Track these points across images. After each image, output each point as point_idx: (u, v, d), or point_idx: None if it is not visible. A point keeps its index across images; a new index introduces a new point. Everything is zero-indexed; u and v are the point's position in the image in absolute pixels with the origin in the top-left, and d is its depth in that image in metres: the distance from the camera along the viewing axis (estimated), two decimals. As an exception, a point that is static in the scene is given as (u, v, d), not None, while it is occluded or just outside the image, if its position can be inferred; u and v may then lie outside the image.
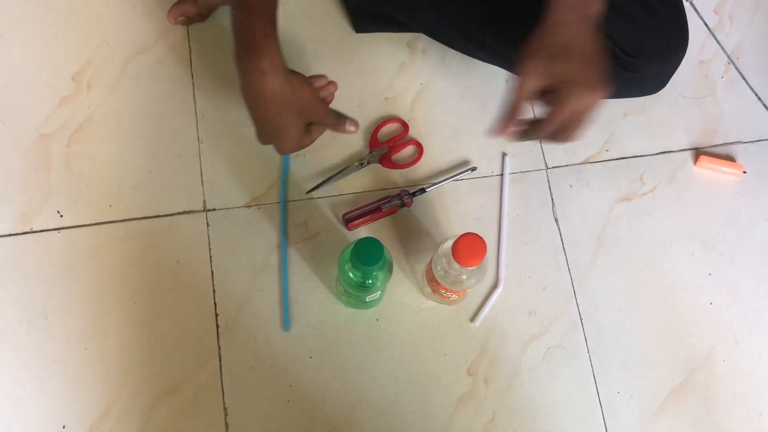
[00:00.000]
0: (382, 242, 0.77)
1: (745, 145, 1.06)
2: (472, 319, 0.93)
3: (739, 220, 1.02)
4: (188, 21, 1.03)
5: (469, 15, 0.95)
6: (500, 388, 0.91)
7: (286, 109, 0.80)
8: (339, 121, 0.89)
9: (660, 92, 1.00)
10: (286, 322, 0.91)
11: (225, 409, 0.88)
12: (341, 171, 0.98)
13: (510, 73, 1.04)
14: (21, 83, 0.97)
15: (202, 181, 0.96)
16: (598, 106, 0.74)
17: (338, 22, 1.06)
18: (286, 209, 0.96)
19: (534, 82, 0.74)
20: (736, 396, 0.94)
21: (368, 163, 0.98)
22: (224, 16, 1.04)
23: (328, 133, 1.00)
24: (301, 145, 0.85)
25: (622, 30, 0.89)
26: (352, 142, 1.00)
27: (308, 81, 0.85)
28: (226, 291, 0.92)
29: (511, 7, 0.91)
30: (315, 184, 0.97)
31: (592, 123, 0.76)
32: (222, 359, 0.89)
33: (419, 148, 1.00)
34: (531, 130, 0.77)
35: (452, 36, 1.01)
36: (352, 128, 0.89)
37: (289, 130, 0.82)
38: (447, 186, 0.99)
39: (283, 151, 0.85)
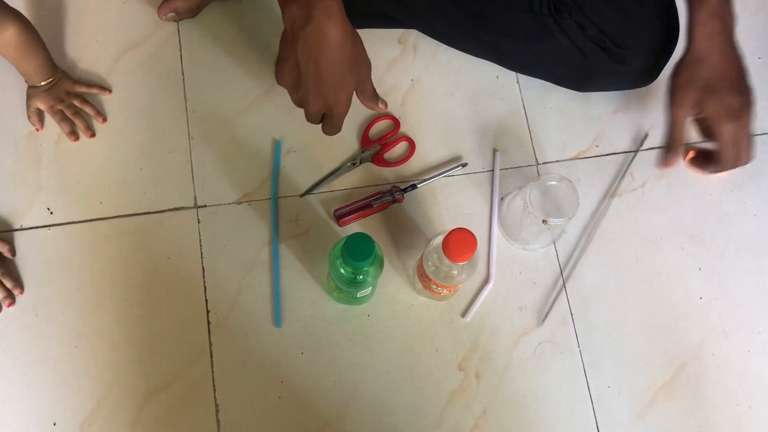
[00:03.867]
0: (373, 238, 0.77)
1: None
2: (464, 314, 0.94)
3: (729, 214, 1.02)
4: (178, 17, 1.02)
5: (462, 8, 0.96)
6: (491, 383, 0.91)
7: (350, 61, 0.75)
8: (375, 94, 0.84)
9: (649, 87, 1.01)
10: (277, 318, 0.91)
11: (216, 405, 0.88)
12: (333, 172, 0.98)
13: (503, 69, 1.04)
14: (10, 80, 0.97)
15: (192, 177, 0.96)
16: (751, 122, 0.87)
17: (329, 18, 1.06)
18: (278, 205, 0.96)
19: (685, 116, 0.87)
20: (725, 390, 0.94)
21: (360, 162, 0.98)
22: (214, 12, 1.04)
23: (318, 131, 1.00)
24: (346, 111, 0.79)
25: (613, 21, 0.89)
26: (344, 139, 1.00)
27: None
28: (218, 288, 0.92)
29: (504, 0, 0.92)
30: (307, 182, 0.97)
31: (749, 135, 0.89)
32: (213, 356, 0.89)
33: (411, 145, 1.00)
34: (709, 165, 0.93)
35: (444, 30, 1.01)
36: (383, 106, 0.87)
37: (347, 87, 0.76)
38: (438, 182, 0.99)
39: (339, 114, 0.78)
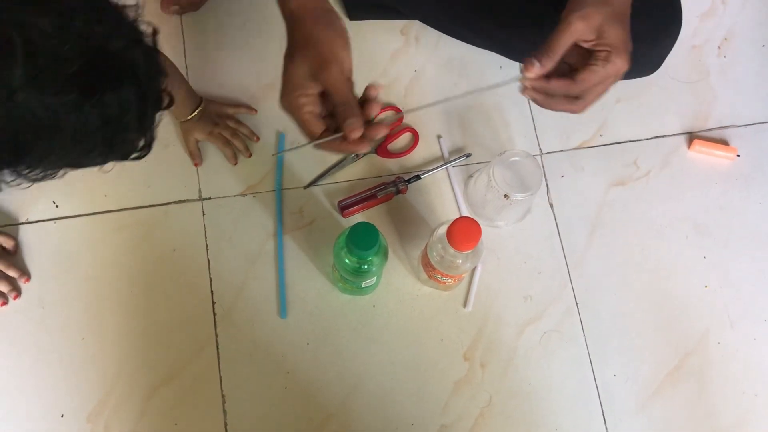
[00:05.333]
0: (378, 229, 0.78)
1: (738, 128, 1.06)
2: (464, 303, 0.94)
3: (733, 203, 1.02)
4: (182, 10, 1.02)
5: (469, 3, 0.95)
6: (496, 372, 0.92)
7: (307, 62, 0.71)
8: (351, 110, 0.71)
9: (653, 77, 1.00)
10: (282, 309, 0.91)
11: (223, 396, 0.88)
12: (337, 164, 0.98)
13: (505, 59, 1.04)
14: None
15: (197, 169, 0.96)
16: (620, 77, 0.73)
17: (331, 10, 1.06)
18: (282, 197, 0.96)
19: (580, 34, 0.70)
20: (730, 378, 0.94)
21: (364, 153, 0.98)
22: (217, 4, 1.04)
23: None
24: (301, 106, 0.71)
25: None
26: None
27: None
28: (223, 279, 0.92)
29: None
30: (311, 174, 0.97)
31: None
32: (219, 347, 0.90)
33: (414, 136, 1.00)
34: (550, 86, 0.72)
35: (447, 21, 1.01)
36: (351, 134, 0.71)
37: (297, 89, 0.72)
38: (442, 172, 0.99)
39: (300, 122, 0.71)
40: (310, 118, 0.70)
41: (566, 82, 0.71)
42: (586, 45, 0.71)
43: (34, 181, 0.57)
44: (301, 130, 0.72)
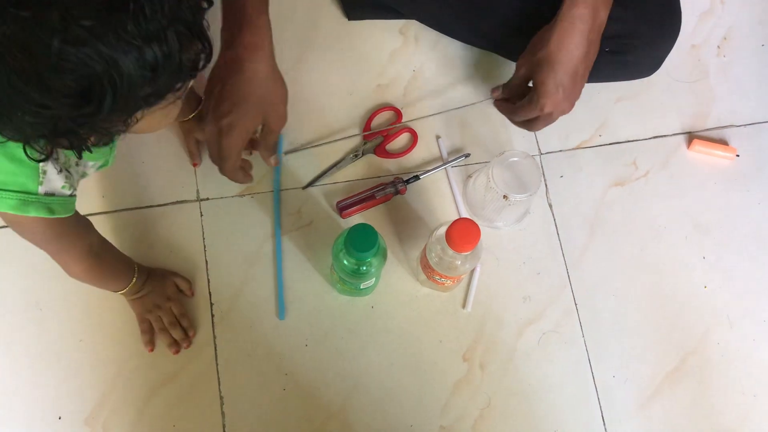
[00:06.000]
0: (377, 230, 0.77)
1: (738, 128, 1.06)
2: (464, 304, 0.93)
3: (733, 203, 1.02)
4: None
5: (465, 0, 0.95)
6: (496, 373, 0.91)
7: (262, 98, 0.78)
8: (274, 149, 0.88)
9: (652, 77, 1.00)
10: (281, 310, 0.91)
11: (221, 397, 0.88)
12: (336, 164, 0.97)
13: (505, 59, 1.04)
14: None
15: (195, 170, 0.96)
16: (561, 114, 0.86)
17: (330, 9, 1.05)
18: (280, 198, 0.95)
19: (518, 78, 0.87)
20: (730, 378, 0.94)
21: (363, 154, 0.98)
22: (214, 6, 1.03)
23: (323, 122, 1.00)
24: (237, 151, 0.82)
25: (615, 13, 0.89)
26: (346, 130, 0.99)
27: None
28: (221, 280, 0.92)
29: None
30: (309, 175, 0.97)
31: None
32: (217, 348, 0.89)
33: (413, 136, 1.00)
34: (506, 108, 0.91)
35: (446, 21, 1.01)
36: (274, 162, 0.89)
37: (248, 123, 0.80)
38: (441, 173, 0.99)
39: (227, 146, 0.80)
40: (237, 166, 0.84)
41: (511, 107, 0.90)
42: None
43: (122, 131, 0.58)
44: (221, 161, 0.83)
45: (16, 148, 0.59)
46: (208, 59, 0.58)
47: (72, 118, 0.53)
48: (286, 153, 0.98)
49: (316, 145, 0.98)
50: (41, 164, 0.62)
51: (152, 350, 0.88)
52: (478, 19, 0.96)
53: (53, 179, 0.65)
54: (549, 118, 0.87)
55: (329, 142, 0.98)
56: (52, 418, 0.85)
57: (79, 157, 0.59)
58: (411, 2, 1.00)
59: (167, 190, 0.95)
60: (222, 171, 0.85)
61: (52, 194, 0.66)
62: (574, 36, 0.81)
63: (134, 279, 0.84)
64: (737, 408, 0.93)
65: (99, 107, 0.52)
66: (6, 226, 0.90)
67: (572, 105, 0.86)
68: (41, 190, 0.64)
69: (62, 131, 0.55)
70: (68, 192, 0.67)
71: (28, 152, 0.58)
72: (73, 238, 0.74)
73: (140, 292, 0.86)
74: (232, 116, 0.79)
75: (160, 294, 0.88)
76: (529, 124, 0.89)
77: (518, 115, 0.89)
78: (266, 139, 0.86)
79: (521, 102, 0.87)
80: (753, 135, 1.05)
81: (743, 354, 0.95)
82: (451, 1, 0.96)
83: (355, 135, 0.99)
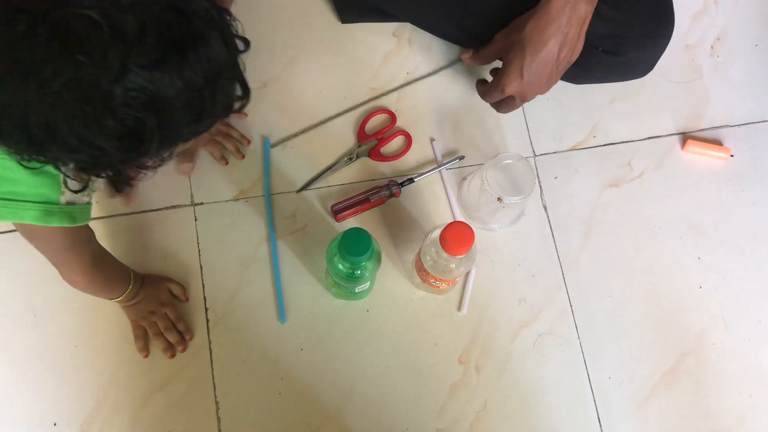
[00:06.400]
0: (371, 233, 0.77)
1: (732, 128, 1.06)
2: (459, 307, 0.93)
3: (727, 203, 1.02)
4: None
5: (456, 1, 0.95)
6: (492, 375, 0.91)
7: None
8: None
9: (646, 77, 1.00)
10: (281, 314, 0.91)
11: (216, 402, 0.88)
12: (330, 168, 0.97)
13: (497, 62, 1.04)
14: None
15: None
16: (525, 101, 0.88)
17: (323, 12, 1.05)
18: (272, 202, 0.95)
19: (491, 51, 0.90)
20: (726, 379, 0.94)
21: (357, 157, 0.98)
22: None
23: (317, 127, 1.00)
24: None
25: (608, 14, 0.89)
26: (341, 134, 0.99)
27: None
28: (216, 285, 0.92)
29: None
30: (304, 178, 0.97)
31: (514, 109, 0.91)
32: (213, 353, 0.89)
33: (408, 139, 1.00)
34: (480, 89, 0.93)
35: (439, 23, 1.01)
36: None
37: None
38: (435, 175, 0.98)
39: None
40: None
41: (482, 87, 0.93)
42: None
43: (157, 167, 0.60)
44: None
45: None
46: (245, 103, 0.61)
47: (119, 157, 0.55)
48: (274, 146, 0.98)
49: (303, 131, 0.98)
50: (62, 174, 0.63)
51: (146, 356, 0.88)
52: (469, 20, 0.96)
53: (73, 188, 0.65)
54: (511, 103, 0.89)
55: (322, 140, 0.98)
56: (48, 425, 0.85)
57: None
58: (403, 5, 1.00)
59: (161, 194, 0.95)
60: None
61: (73, 203, 0.66)
62: (550, 26, 0.82)
63: (130, 286, 0.84)
64: (733, 408, 0.93)
65: (146, 148, 0.54)
66: (3, 232, 0.90)
67: (536, 93, 0.87)
68: (63, 199, 0.65)
69: (104, 166, 0.57)
70: (87, 199, 0.68)
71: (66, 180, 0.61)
72: (83, 246, 0.75)
73: (135, 299, 0.86)
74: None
75: (154, 299, 0.88)
76: (496, 106, 0.92)
77: (486, 95, 0.92)
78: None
79: (490, 81, 0.90)
80: (747, 135, 1.06)
81: (739, 354, 0.95)
82: (441, 2, 0.95)
83: (350, 139, 0.99)
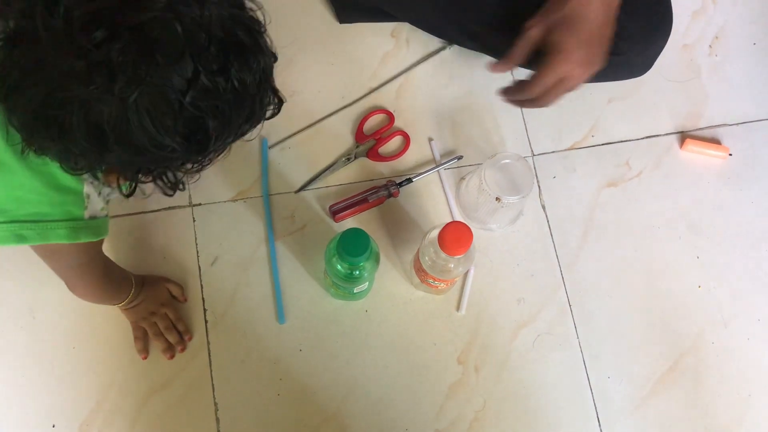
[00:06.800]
0: (370, 233, 0.77)
1: (730, 127, 1.06)
2: (458, 307, 0.93)
3: (726, 202, 1.02)
4: None
5: (454, 1, 0.95)
6: (491, 375, 0.91)
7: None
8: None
9: (645, 77, 1.00)
10: (280, 314, 0.91)
11: (215, 403, 0.87)
12: (328, 168, 0.97)
13: (497, 61, 1.03)
14: None
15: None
16: (580, 81, 0.80)
17: (322, 12, 1.05)
18: (271, 203, 0.95)
19: (528, 40, 0.81)
20: (725, 378, 0.94)
21: (355, 157, 0.98)
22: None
23: (315, 126, 1.00)
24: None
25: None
26: (338, 134, 0.99)
27: None
28: (214, 286, 0.92)
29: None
30: (302, 179, 0.97)
31: (570, 93, 0.82)
32: (211, 354, 0.89)
33: (406, 139, 1.00)
34: (515, 89, 0.84)
35: (437, 23, 1.01)
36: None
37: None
38: (434, 175, 0.98)
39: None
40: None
41: (518, 86, 0.83)
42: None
43: (206, 167, 0.63)
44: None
45: (61, 176, 0.61)
46: (277, 111, 0.65)
47: (182, 157, 0.58)
48: (272, 146, 0.97)
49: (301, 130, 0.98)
50: (85, 189, 0.64)
51: (146, 357, 0.88)
52: (467, 20, 0.96)
53: (95, 202, 0.67)
54: (561, 86, 0.81)
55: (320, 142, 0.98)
56: (46, 426, 0.85)
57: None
58: (401, 4, 1.00)
59: (159, 196, 0.93)
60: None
61: (95, 217, 0.67)
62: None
63: (132, 291, 0.84)
64: (732, 408, 0.93)
65: (207, 147, 0.57)
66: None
67: (587, 73, 0.80)
68: (86, 214, 0.66)
69: (164, 167, 0.60)
70: (105, 213, 0.69)
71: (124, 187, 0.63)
72: (98, 259, 0.76)
73: (135, 301, 0.86)
74: None
75: (154, 301, 0.88)
76: (540, 99, 0.82)
77: (527, 89, 0.82)
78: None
79: (531, 76, 0.81)
80: (745, 134, 1.05)
81: (738, 353, 0.95)
82: (440, 2, 0.95)
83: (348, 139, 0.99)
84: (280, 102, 0.65)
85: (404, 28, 1.05)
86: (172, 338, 0.88)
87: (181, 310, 0.90)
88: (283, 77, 0.99)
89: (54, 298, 0.89)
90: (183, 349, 0.88)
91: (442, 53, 1.04)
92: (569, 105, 1.04)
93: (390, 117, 1.01)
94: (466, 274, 0.95)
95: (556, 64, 0.79)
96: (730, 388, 0.94)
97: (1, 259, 0.90)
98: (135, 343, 0.88)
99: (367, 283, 0.85)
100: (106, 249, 0.91)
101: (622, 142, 1.03)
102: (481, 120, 1.02)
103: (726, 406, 0.93)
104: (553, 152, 1.02)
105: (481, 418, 0.90)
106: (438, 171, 0.98)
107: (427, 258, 0.83)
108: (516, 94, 0.84)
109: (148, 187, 0.64)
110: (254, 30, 0.58)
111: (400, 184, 0.97)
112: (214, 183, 0.95)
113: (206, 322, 0.90)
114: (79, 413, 0.86)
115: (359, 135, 0.99)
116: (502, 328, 0.93)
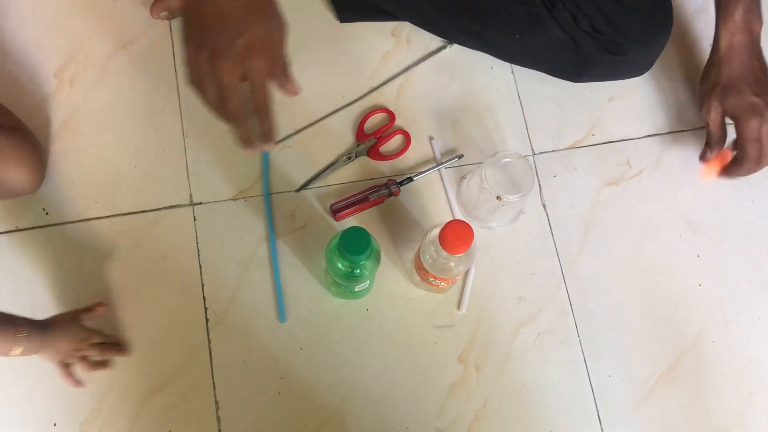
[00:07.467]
0: (370, 232, 0.77)
1: (729, 126, 1.05)
2: (458, 305, 0.93)
3: (726, 201, 1.02)
4: (171, 15, 1.02)
5: (455, 0, 0.95)
6: (491, 374, 0.91)
7: (246, 5, 0.64)
8: (285, 66, 0.70)
9: (645, 76, 1.00)
10: (281, 313, 0.91)
11: (216, 402, 0.88)
12: (329, 167, 0.97)
13: (497, 60, 1.04)
14: (2, 81, 0.96)
15: (188, 175, 0.96)
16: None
17: (322, 11, 1.05)
18: (272, 201, 0.95)
19: (715, 118, 0.92)
20: (725, 377, 0.94)
21: (356, 156, 0.98)
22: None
23: (316, 125, 1.00)
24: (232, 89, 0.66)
25: (607, 12, 0.89)
26: (339, 133, 0.99)
27: None
28: (215, 285, 0.92)
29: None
30: (303, 177, 0.97)
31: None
32: (212, 353, 0.89)
33: (406, 138, 1.00)
34: (732, 168, 0.93)
35: (438, 22, 1.01)
36: (293, 88, 0.71)
37: (249, 35, 0.65)
38: (434, 174, 0.98)
39: (256, 70, 0.66)
40: None
41: (732, 168, 0.94)
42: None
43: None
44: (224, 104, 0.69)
45: None
46: None
47: None
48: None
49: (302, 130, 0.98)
50: None
51: (82, 386, 0.85)
52: (469, 20, 0.96)
53: None
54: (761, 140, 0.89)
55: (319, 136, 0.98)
56: (47, 425, 0.85)
57: None
58: (402, 3, 1.00)
59: (160, 194, 0.95)
60: (228, 118, 0.68)
61: None
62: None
63: (22, 335, 0.76)
64: (733, 406, 0.93)
65: None
66: (2, 232, 0.91)
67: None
68: None
69: None
70: None
71: None
72: None
73: (44, 348, 0.80)
74: (236, 36, 0.64)
75: (72, 337, 0.83)
76: (747, 159, 0.91)
77: (741, 170, 0.92)
78: (272, 61, 0.69)
79: (737, 159, 0.92)
80: (746, 133, 1.05)
81: (738, 352, 0.95)
82: (440, 2, 0.96)
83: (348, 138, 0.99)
84: None
85: (405, 27, 1.05)
86: (112, 354, 0.86)
87: (183, 308, 0.90)
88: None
89: (54, 297, 0.89)
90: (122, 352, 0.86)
91: (443, 52, 1.04)
92: (570, 104, 1.04)
93: (391, 116, 1.01)
94: (466, 273, 0.95)
95: (746, 129, 0.89)
96: (731, 386, 0.94)
97: (3, 257, 0.90)
98: (65, 380, 0.83)
99: (368, 281, 0.86)
100: (107, 247, 0.91)
101: (622, 141, 1.03)
102: (482, 119, 1.02)
103: (726, 404, 0.93)
104: (553, 151, 1.02)
105: (481, 416, 0.90)
106: (439, 170, 0.98)
107: (427, 257, 0.83)
108: (735, 172, 0.94)
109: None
110: None
111: (401, 183, 0.97)
112: (215, 182, 0.96)
113: (207, 320, 0.90)
114: (80, 412, 0.86)
115: (360, 134, 0.99)
116: (502, 327, 0.93)
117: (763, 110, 0.88)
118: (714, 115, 0.92)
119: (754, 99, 0.88)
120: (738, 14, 0.89)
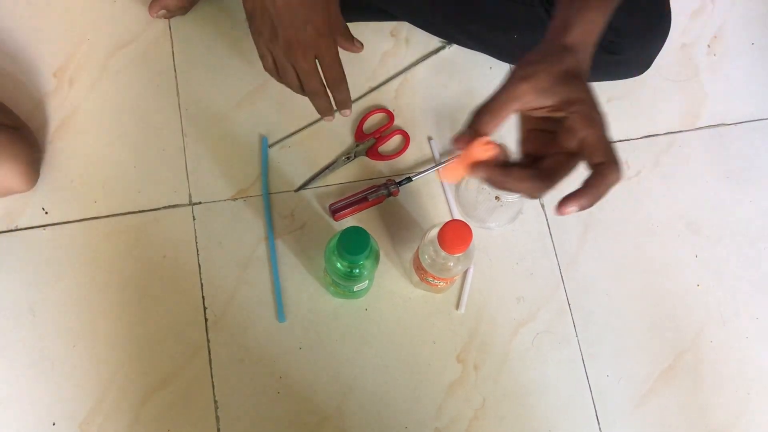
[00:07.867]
0: (369, 232, 0.77)
1: (728, 126, 1.06)
2: (457, 305, 0.93)
3: (725, 201, 1.02)
4: (170, 14, 1.02)
5: (454, 1, 0.95)
6: (490, 374, 0.91)
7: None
8: (349, 32, 0.77)
9: (643, 76, 1.00)
10: (280, 313, 0.91)
11: (215, 402, 0.88)
12: (327, 167, 0.97)
13: (496, 60, 1.04)
14: (2, 80, 0.96)
15: (187, 174, 0.96)
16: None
17: (321, 12, 1.05)
18: (271, 201, 0.95)
19: (533, 98, 0.58)
20: (724, 376, 0.94)
21: (355, 156, 0.98)
22: (205, 8, 1.03)
23: (314, 125, 1.00)
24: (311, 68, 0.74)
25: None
26: (338, 133, 0.99)
27: None
28: (214, 284, 0.92)
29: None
30: (302, 177, 0.97)
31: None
32: (211, 353, 0.89)
33: (405, 138, 1.00)
34: (511, 171, 0.60)
35: (436, 22, 1.01)
36: (359, 45, 0.85)
37: (317, 19, 0.71)
38: (433, 174, 0.99)
39: (327, 50, 0.73)
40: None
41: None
42: (538, 113, 0.59)
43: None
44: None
45: None
46: None
47: None
48: (271, 145, 0.98)
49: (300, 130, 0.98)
50: None
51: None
52: (467, 20, 0.96)
53: None
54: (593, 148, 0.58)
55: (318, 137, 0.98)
56: (47, 424, 0.85)
57: None
58: (401, 3, 1.00)
59: (159, 194, 0.95)
60: (309, 96, 0.77)
61: None
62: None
63: None
64: (731, 406, 0.93)
65: None
66: (2, 232, 0.91)
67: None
68: None
69: None
70: None
71: None
72: None
73: None
74: (306, 22, 0.71)
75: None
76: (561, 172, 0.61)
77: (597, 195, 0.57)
78: (339, 30, 0.77)
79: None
80: (744, 133, 1.06)
81: (737, 352, 0.96)
82: (439, 2, 0.96)
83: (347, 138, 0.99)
84: None
85: (403, 28, 1.06)
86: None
87: (179, 310, 0.90)
88: (283, 76, 1.01)
89: (54, 296, 0.89)
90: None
91: (442, 52, 1.05)
92: (568, 104, 1.04)
93: (389, 116, 1.01)
94: (465, 273, 0.95)
95: (588, 125, 0.58)
96: (729, 386, 0.94)
97: (3, 257, 0.90)
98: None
99: (367, 281, 0.86)
100: (107, 246, 0.91)
101: (620, 141, 1.03)
102: (481, 119, 1.02)
103: (725, 404, 0.93)
104: (552, 151, 1.02)
105: (480, 416, 0.90)
106: (438, 170, 0.99)
107: (426, 256, 0.83)
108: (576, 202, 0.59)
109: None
110: None
111: (400, 183, 0.97)
112: (214, 181, 0.96)
113: (206, 320, 0.90)
114: (79, 411, 0.86)
115: (359, 134, 1.00)
116: (501, 327, 0.94)
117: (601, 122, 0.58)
118: (533, 96, 0.59)
119: (597, 109, 0.59)
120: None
